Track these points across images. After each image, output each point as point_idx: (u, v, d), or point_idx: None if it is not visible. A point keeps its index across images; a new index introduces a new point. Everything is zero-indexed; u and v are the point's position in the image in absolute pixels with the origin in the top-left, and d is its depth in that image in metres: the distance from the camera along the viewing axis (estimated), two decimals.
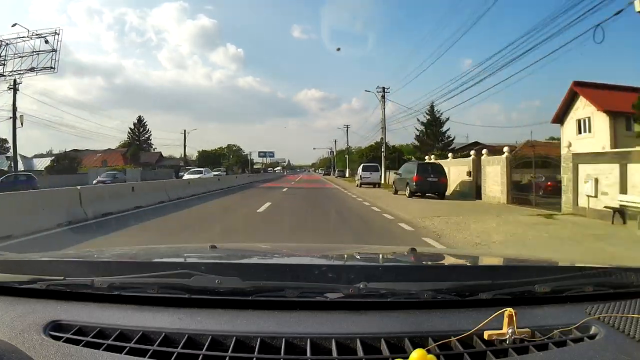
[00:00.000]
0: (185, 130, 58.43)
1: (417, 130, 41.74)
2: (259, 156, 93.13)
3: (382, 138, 35.82)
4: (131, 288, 1.02)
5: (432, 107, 39.52)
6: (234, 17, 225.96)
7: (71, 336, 0.86)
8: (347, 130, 68.57)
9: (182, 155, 58.36)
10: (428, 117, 40.95)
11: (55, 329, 0.89)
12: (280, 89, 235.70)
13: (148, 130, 67.24)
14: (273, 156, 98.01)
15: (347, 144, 69.26)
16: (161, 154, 65.40)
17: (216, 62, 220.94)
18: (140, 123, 67.40)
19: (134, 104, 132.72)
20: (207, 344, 0.83)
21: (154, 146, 66.91)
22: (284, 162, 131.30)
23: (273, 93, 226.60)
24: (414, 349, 0.76)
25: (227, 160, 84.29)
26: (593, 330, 0.90)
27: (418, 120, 40.47)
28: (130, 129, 67.05)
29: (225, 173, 50.36)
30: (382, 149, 35.27)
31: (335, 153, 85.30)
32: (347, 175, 58.45)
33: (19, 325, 0.89)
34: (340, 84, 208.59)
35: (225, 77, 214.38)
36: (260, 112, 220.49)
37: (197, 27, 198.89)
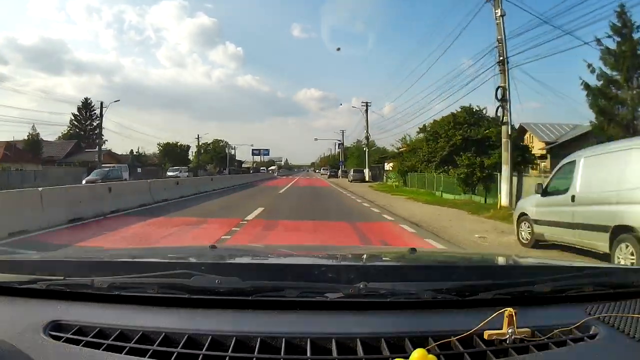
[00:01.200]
0: (102, 103, 37.77)
1: (590, 69, 15.73)
2: (253, 154, 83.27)
3: (501, 89, 13.56)
4: (131, 288, 1.02)
5: (621, 10, 14.82)
6: (233, 15, 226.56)
7: (71, 336, 0.86)
8: (367, 109, 42.58)
9: (100, 147, 37.51)
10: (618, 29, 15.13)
11: (55, 329, 0.89)
12: (280, 88, 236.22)
13: (96, 117, 48.25)
14: (268, 154, 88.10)
15: (366, 131, 43.19)
16: (79, 145, 47.58)
17: (215, 60, 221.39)
18: (87, 108, 49.32)
19: (133, 103, 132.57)
20: (207, 344, 0.83)
21: (104, 137, 46.89)
22: (280, 161, 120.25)
23: (272, 92, 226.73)
24: (414, 349, 0.76)
25: (198, 157, 64.59)
26: (593, 330, 0.90)
27: (598, 42, 15.22)
28: (72, 114, 49.48)
29: (187, 174, 37.86)
30: (501, 117, 13.67)
31: (342, 147, 62.24)
32: (367, 177, 39.60)
33: (19, 325, 0.89)
34: (339, 84, 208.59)
35: (225, 76, 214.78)
36: (259, 111, 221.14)
37: (196, 25, 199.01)
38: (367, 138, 43.96)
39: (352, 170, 43.08)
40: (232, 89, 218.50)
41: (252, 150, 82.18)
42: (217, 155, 69.79)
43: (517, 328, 0.83)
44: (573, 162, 6.42)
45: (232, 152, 75.86)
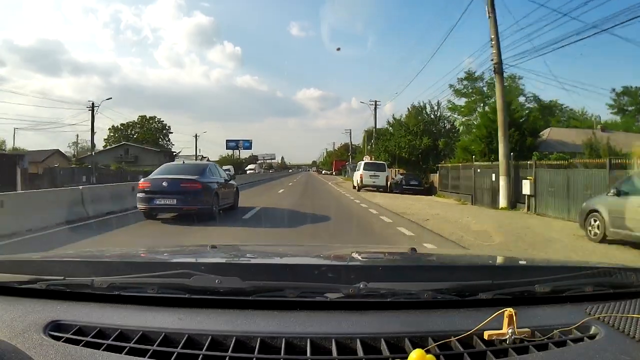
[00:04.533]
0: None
1: None
2: (228, 147, 59.10)
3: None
4: (131, 288, 1.02)
5: None
6: (230, 14, 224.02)
7: (71, 336, 0.86)
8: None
9: None
10: None
11: (55, 329, 0.89)
12: (279, 88, 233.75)
13: None
14: (250, 147, 62.28)
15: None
16: None
17: (214, 60, 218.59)
18: None
19: (131, 103, 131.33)
20: (207, 344, 0.83)
21: None
22: (272, 158, 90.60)
23: (272, 92, 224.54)
24: (414, 349, 0.76)
25: None
26: (593, 330, 0.90)
27: None
28: None
29: None
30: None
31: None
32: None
33: (19, 325, 0.89)
34: (339, 83, 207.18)
35: (223, 76, 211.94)
36: (259, 111, 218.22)
37: (193, 25, 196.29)
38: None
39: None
40: (231, 89, 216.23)
41: (227, 141, 58.47)
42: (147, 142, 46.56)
43: (517, 328, 0.83)
44: None
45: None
